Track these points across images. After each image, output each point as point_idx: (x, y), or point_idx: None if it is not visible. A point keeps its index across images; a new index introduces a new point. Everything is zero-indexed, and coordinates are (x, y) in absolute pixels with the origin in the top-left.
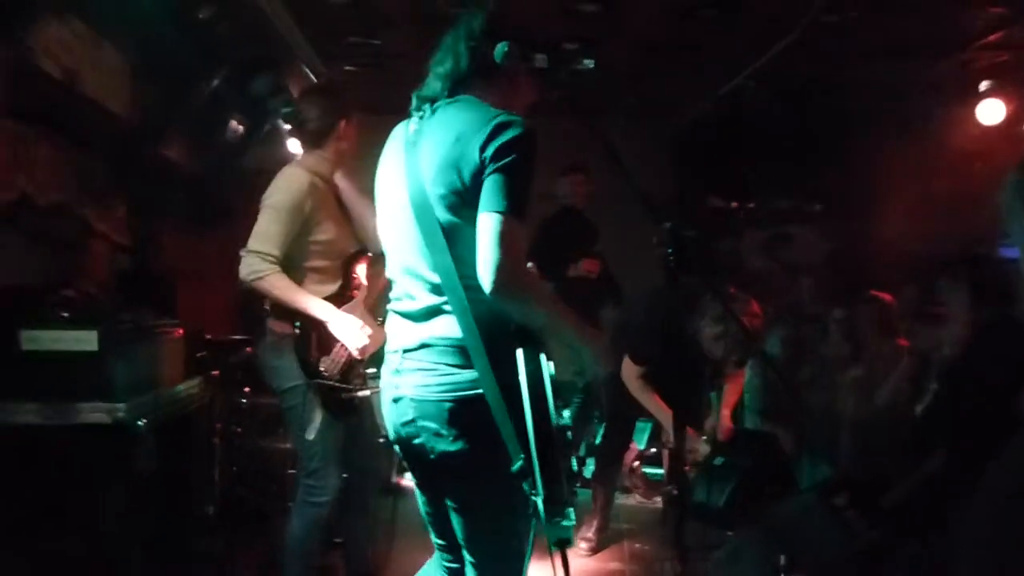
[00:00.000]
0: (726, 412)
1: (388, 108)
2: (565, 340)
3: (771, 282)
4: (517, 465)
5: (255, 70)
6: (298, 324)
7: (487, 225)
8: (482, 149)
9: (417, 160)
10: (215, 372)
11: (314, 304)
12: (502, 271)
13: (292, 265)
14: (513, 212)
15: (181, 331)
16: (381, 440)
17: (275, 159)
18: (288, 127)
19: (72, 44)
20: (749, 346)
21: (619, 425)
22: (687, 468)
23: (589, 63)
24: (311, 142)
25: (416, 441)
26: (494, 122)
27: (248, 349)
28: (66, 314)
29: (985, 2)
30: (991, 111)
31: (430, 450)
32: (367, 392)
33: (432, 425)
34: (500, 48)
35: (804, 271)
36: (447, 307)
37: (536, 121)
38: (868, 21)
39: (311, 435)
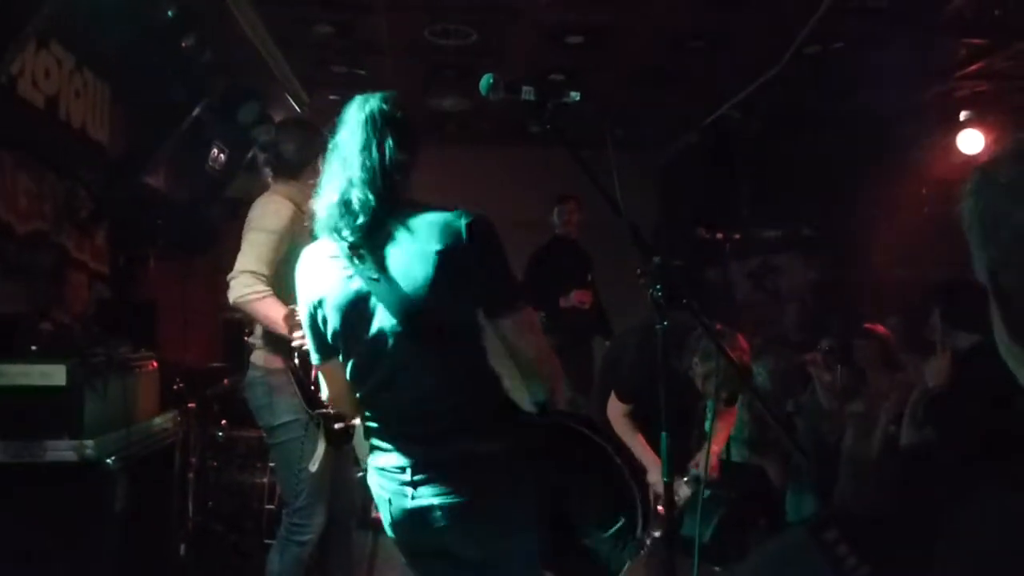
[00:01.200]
0: (716, 450)
1: None
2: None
3: (757, 311)
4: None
5: (239, 99)
6: (295, 355)
7: (523, 323)
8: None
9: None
10: (191, 404)
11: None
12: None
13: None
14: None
15: (155, 363)
16: (360, 474)
17: (258, 187)
18: (263, 156)
19: (53, 71)
20: (739, 382)
21: None
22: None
23: (575, 96)
24: (287, 173)
25: (442, 548)
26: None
27: (225, 381)
28: (34, 347)
29: (965, 33)
30: (971, 140)
31: None
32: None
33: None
34: (486, 80)
35: (790, 300)
36: (470, 424)
37: (526, 150)
38: (850, 53)
39: (314, 467)
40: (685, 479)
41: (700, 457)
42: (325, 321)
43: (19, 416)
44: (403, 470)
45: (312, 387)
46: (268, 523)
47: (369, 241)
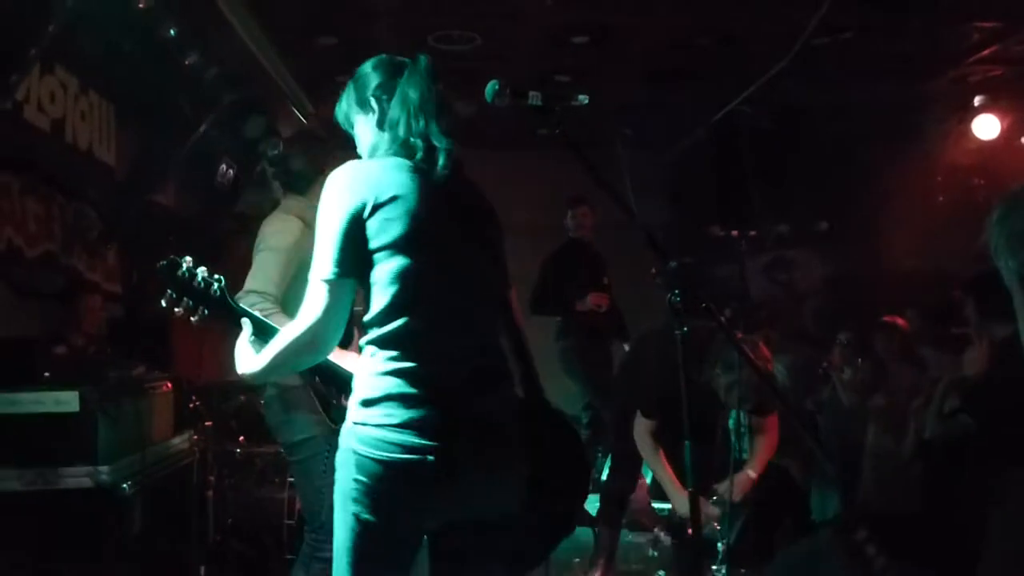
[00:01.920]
0: (758, 466)
1: None
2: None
3: (773, 307)
4: None
5: (245, 113)
6: (316, 372)
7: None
8: None
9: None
10: (208, 423)
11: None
12: None
13: (283, 310)
14: None
15: (170, 384)
16: None
17: (268, 201)
18: (272, 171)
19: (58, 94)
20: (764, 392)
21: (626, 465)
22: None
23: (583, 99)
24: (297, 188)
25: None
26: None
27: (242, 396)
28: (48, 374)
29: (977, 17)
30: (986, 126)
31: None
32: None
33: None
34: (491, 87)
35: (805, 295)
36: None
37: (534, 154)
38: (860, 42)
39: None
40: (713, 498)
41: (724, 484)
42: (380, 230)
43: (33, 443)
44: (425, 423)
45: (333, 401)
46: (289, 539)
47: (443, 169)
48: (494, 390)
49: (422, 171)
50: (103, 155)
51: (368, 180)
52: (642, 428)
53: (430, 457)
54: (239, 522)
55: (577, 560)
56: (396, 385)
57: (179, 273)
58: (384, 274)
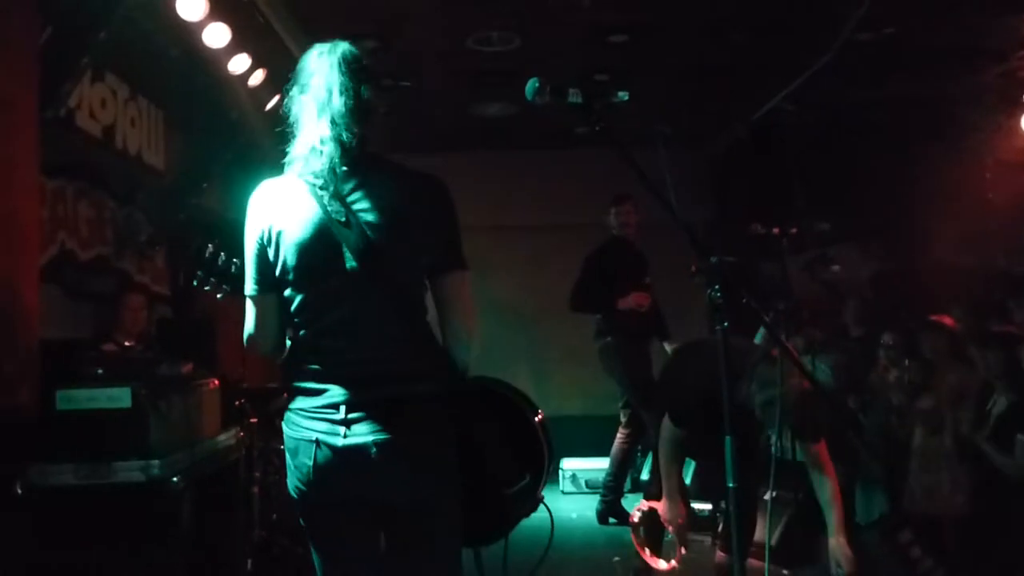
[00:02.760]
0: (839, 524)
1: (419, 147)
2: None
3: (816, 306)
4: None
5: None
6: None
7: (460, 282)
8: (438, 204)
9: (355, 215)
10: (253, 420)
11: None
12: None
13: None
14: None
15: (217, 382)
16: None
17: None
18: None
19: (109, 101)
20: (808, 410)
21: None
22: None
23: (623, 95)
24: None
25: (373, 491)
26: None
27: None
28: (100, 371)
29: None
30: None
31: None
32: None
33: (402, 467)
34: (531, 85)
35: (849, 293)
36: (413, 359)
37: (573, 153)
38: (903, 37)
39: None
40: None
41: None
42: (278, 254)
43: (87, 439)
44: (336, 408)
45: None
46: None
47: (339, 185)
48: (380, 388)
49: (315, 186)
50: (152, 160)
51: (268, 205)
52: (667, 434)
53: (315, 437)
54: (284, 518)
55: (617, 559)
56: (299, 379)
57: (206, 255)
58: (286, 293)
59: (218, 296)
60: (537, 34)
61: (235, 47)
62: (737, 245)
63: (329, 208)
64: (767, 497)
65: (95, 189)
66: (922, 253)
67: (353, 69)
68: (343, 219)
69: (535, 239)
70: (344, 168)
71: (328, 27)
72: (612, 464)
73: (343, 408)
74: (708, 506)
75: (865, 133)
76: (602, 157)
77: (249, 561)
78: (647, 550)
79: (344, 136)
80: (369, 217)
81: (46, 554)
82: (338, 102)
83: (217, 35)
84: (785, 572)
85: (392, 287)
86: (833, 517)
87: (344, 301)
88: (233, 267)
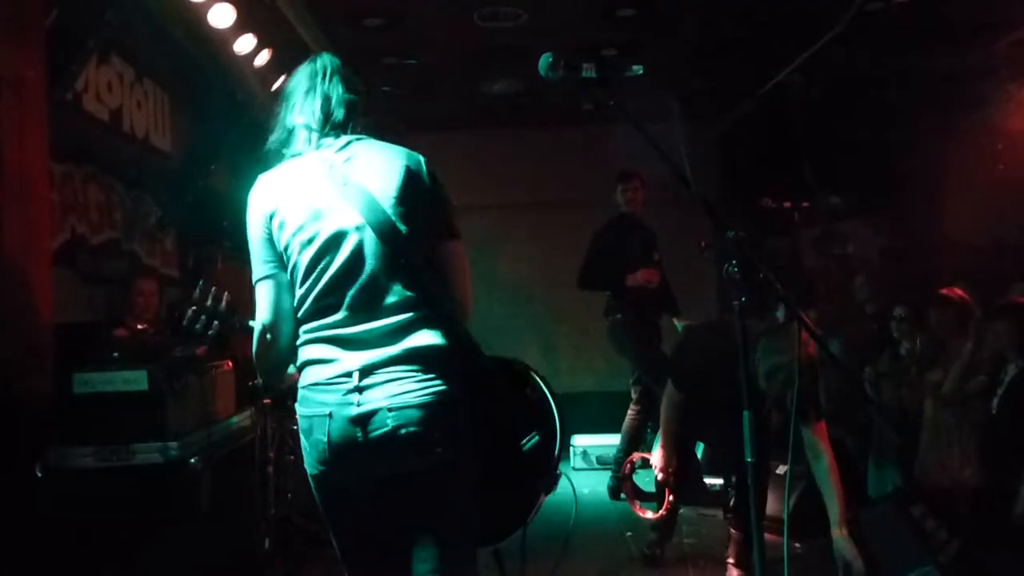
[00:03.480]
0: (841, 514)
1: (427, 125)
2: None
3: (826, 280)
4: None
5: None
6: None
7: (460, 251)
8: (429, 177)
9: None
10: (266, 400)
11: None
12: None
13: None
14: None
15: (231, 363)
16: None
17: None
18: None
19: (115, 84)
20: (810, 386)
21: (675, 442)
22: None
23: (638, 69)
24: None
25: (390, 457)
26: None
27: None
28: (116, 354)
29: None
30: None
31: (407, 461)
32: None
33: (417, 430)
34: (544, 59)
35: (859, 267)
36: (423, 322)
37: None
38: (914, 8)
39: None
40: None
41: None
42: (281, 226)
43: (105, 422)
44: (349, 376)
45: None
46: None
47: (335, 154)
48: (390, 352)
49: (311, 166)
50: (159, 142)
51: (268, 191)
52: (670, 398)
53: (328, 411)
54: (299, 497)
55: (629, 534)
56: (309, 354)
57: (207, 303)
58: (292, 270)
59: (208, 333)
60: (543, 9)
61: (240, 27)
62: (747, 220)
63: (328, 172)
64: (781, 471)
65: (103, 173)
66: (933, 227)
67: (329, 72)
68: (343, 182)
69: (542, 216)
70: (337, 136)
71: (334, 5)
72: (623, 440)
73: (356, 375)
74: (719, 481)
75: (875, 106)
76: (608, 134)
77: (266, 540)
78: (637, 501)
79: (335, 115)
80: (369, 176)
81: (66, 536)
82: (327, 83)
83: (222, 15)
84: (797, 545)
85: (397, 254)
86: (835, 506)
87: (351, 271)
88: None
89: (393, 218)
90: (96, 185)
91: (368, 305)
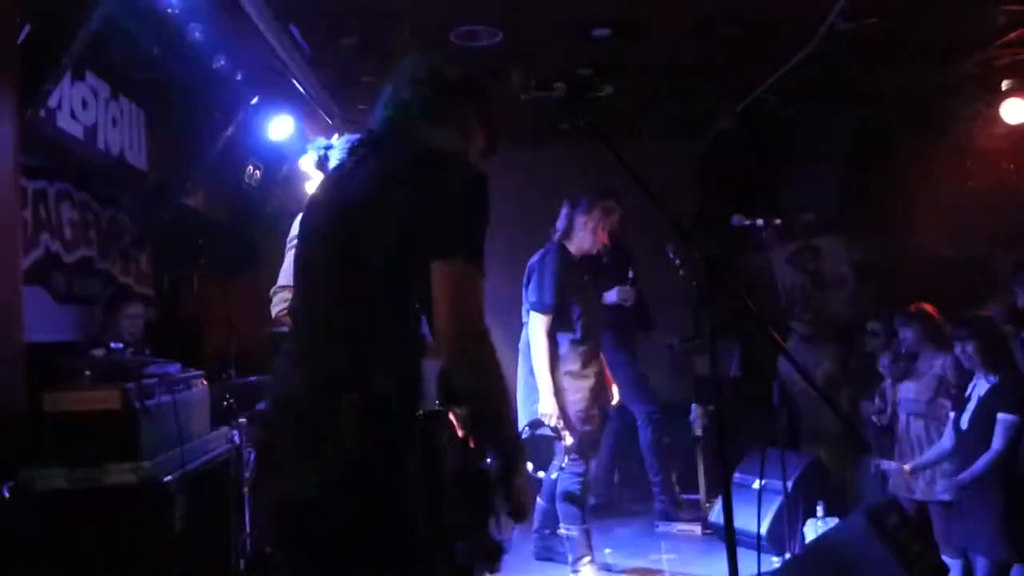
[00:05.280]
0: None
1: None
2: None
3: (801, 296)
4: None
5: (270, 115)
6: None
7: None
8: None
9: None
10: (242, 419)
11: None
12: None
13: None
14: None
15: (205, 382)
16: None
17: (294, 201)
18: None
19: (89, 100)
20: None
21: None
22: None
23: (608, 89)
24: None
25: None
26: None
27: None
28: (88, 373)
29: (1002, 0)
30: (1015, 110)
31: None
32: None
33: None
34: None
35: (834, 283)
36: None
37: (560, 148)
38: (884, 27)
39: None
40: None
41: None
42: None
43: (77, 442)
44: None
45: None
46: None
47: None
48: (317, 391)
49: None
50: (135, 160)
51: None
52: (543, 336)
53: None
54: None
55: (608, 550)
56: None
57: None
58: None
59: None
60: (520, 29)
61: (217, 45)
62: (721, 236)
63: (325, 197)
64: (756, 486)
65: (78, 190)
66: (905, 242)
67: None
68: (329, 207)
69: (514, 236)
70: (361, 150)
71: (311, 25)
72: (600, 456)
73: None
74: (698, 496)
75: (848, 124)
76: (584, 152)
77: (241, 561)
78: (531, 464)
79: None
80: (349, 206)
81: (38, 558)
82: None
83: (199, 33)
84: (774, 559)
85: (333, 286)
86: None
87: (307, 288)
88: None
89: (348, 254)
90: (70, 203)
91: (306, 329)
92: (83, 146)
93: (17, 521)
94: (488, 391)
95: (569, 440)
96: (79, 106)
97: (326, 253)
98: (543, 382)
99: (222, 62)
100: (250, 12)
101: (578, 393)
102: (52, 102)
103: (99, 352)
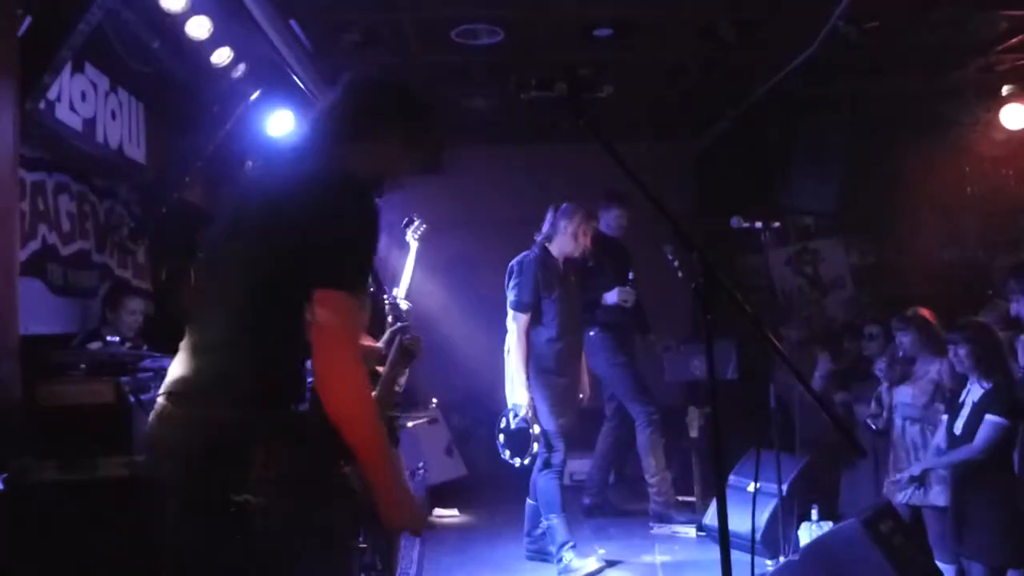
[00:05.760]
0: None
1: None
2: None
3: (799, 299)
4: None
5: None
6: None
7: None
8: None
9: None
10: None
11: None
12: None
13: None
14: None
15: None
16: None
17: None
18: None
19: (89, 93)
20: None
21: None
22: None
23: (608, 89)
24: None
25: None
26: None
27: None
28: (83, 366)
29: (1005, 5)
30: (1015, 115)
31: None
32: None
33: None
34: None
35: (832, 286)
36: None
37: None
38: (885, 31)
39: None
40: None
41: None
42: None
43: (70, 434)
44: None
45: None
46: None
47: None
48: (202, 392)
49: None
50: (133, 153)
51: None
52: (518, 332)
53: None
54: None
55: (602, 551)
56: None
57: None
58: None
59: None
60: (521, 28)
61: (217, 40)
62: (719, 239)
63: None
64: (751, 489)
65: (76, 183)
66: (904, 246)
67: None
68: (238, 213)
69: (518, 234)
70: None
71: (311, 21)
72: (596, 457)
73: None
74: (692, 499)
75: (847, 128)
76: (586, 151)
77: None
78: (508, 452)
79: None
80: (256, 209)
81: (29, 550)
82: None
83: (199, 27)
84: (768, 563)
85: (229, 289)
86: None
87: (211, 293)
88: None
89: (248, 258)
90: (68, 195)
91: (190, 347)
92: (82, 138)
93: (10, 512)
94: (347, 417)
95: (537, 430)
96: (78, 98)
97: (220, 263)
98: (516, 376)
99: (223, 57)
100: (251, 6)
101: (549, 389)
102: (51, 94)
103: (96, 346)
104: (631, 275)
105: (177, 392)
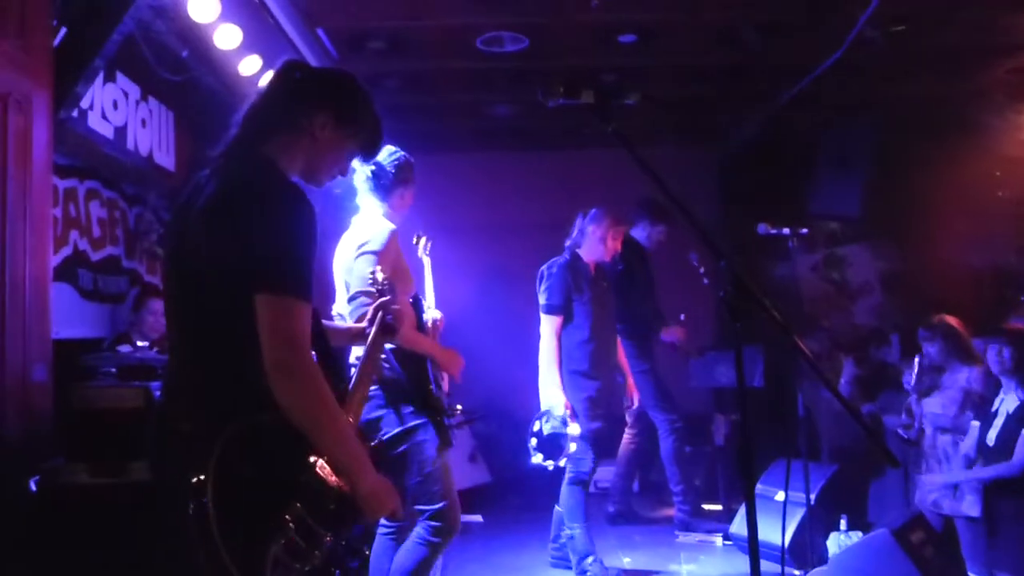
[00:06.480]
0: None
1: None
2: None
3: (826, 306)
4: None
5: None
6: (403, 366)
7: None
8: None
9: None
10: None
11: (423, 340)
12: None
13: None
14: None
15: None
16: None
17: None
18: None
19: (120, 102)
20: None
21: None
22: None
23: (636, 96)
24: (380, 196)
25: None
26: None
27: None
28: (114, 370)
29: None
30: None
31: None
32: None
33: None
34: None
35: (859, 293)
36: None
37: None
38: (913, 34)
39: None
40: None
41: None
42: None
43: (100, 438)
44: None
45: (431, 391)
46: None
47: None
48: (170, 415)
49: None
50: (163, 161)
51: None
52: (552, 333)
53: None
54: None
55: (627, 560)
56: None
57: None
58: None
59: None
60: (545, 35)
61: (246, 49)
62: (746, 245)
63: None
64: (779, 498)
65: (106, 189)
66: (933, 252)
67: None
68: (182, 238)
69: (548, 240)
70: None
71: (338, 31)
72: (619, 464)
73: None
74: (718, 507)
75: (875, 131)
76: (614, 156)
77: None
78: (540, 455)
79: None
80: (197, 232)
81: (60, 553)
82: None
83: (228, 36)
84: (796, 573)
85: (183, 314)
86: None
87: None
88: None
89: (195, 281)
90: (99, 201)
91: (169, 363)
92: (113, 146)
93: (42, 515)
94: (302, 418)
95: (575, 431)
96: (110, 107)
97: (174, 282)
98: (548, 378)
99: (251, 65)
100: (278, 16)
101: (584, 392)
102: (84, 103)
103: (126, 349)
104: (682, 316)
105: (164, 409)
